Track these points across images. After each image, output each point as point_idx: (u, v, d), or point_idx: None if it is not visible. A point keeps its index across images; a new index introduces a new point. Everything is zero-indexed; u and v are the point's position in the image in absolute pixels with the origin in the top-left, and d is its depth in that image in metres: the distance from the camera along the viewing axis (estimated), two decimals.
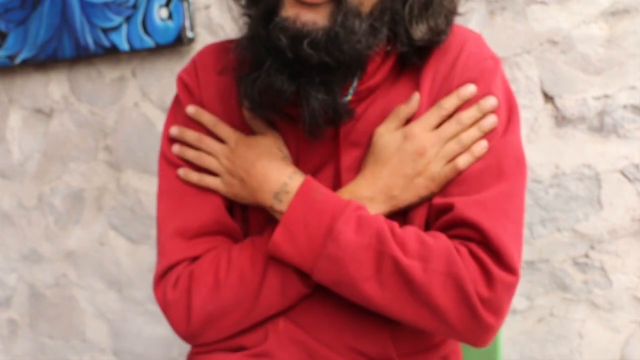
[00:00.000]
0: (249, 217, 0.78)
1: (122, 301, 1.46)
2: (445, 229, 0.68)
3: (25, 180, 1.52)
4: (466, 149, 0.70)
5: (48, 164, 1.49)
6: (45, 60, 1.40)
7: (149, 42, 1.27)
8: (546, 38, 1.03)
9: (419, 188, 0.70)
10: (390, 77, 0.76)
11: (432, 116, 0.71)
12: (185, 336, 0.74)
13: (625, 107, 1.00)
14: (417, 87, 0.74)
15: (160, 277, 0.75)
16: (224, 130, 0.76)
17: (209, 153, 0.76)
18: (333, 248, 0.66)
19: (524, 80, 1.05)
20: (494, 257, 0.65)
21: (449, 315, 0.65)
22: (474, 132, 0.70)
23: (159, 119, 1.34)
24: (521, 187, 0.72)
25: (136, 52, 1.33)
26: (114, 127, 1.40)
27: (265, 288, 0.71)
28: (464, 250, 0.66)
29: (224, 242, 0.76)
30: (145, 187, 1.38)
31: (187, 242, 0.75)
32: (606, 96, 1.01)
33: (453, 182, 0.70)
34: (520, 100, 1.05)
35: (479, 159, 0.70)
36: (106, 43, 1.32)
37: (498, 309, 0.65)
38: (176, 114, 0.81)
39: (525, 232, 1.06)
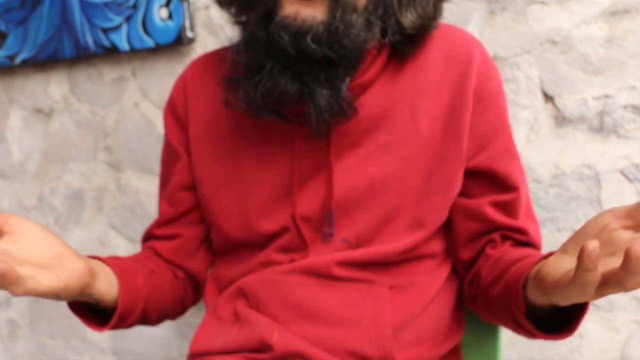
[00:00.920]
0: (224, 232, 0.82)
1: None
2: (514, 244, 0.77)
3: (25, 180, 1.52)
4: None
5: (48, 164, 1.49)
6: (45, 60, 1.40)
7: (149, 42, 1.27)
8: (546, 38, 1.03)
9: None
10: (385, 76, 0.75)
11: None
12: None
13: (625, 107, 1.00)
14: (419, 88, 0.74)
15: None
16: None
17: None
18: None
19: (524, 80, 1.05)
20: None
21: None
22: None
23: (159, 119, 1.34)
24: None
25: (136, 52, 1.33)
26: (114, 127, 1.40)
27: None
28: None
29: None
30: (145, 187, 1.38)
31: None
32: (606, 96, 1.01)
33: (518, 204, 0.77)
34: (520, 100, 1.05)
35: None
36: (106, 43, 1.32)
37: None
38: (164, 150, 0.89)
39: None
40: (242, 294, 0.80)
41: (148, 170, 1.38)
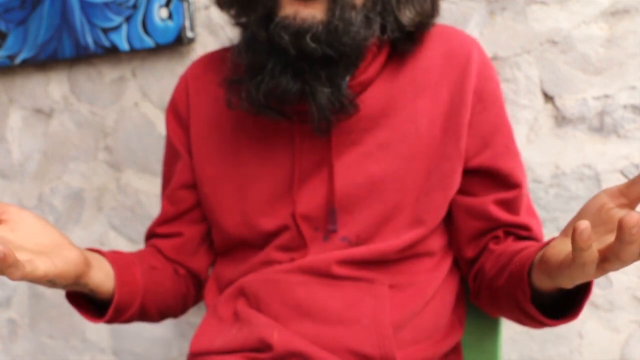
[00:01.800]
0: (224, 230, 0.82)
1: None
2: (517, 239, 0.78)
3: (25, 180, 1.52)
4: None
5: (48, 164, 1.49)
6: (45, 60, 1.40)
7: (149, 42, 1.27)
8: (546, 38, 1.03)
9: None
10: (385, 75, 0.76)
11: None
12: None
13: (625, 107, 1.00)
14: (418, 87, 0.75)
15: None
16: None
17: None
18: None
19: (524, 80, 1.05)
20: None
21: None
22: None
23: (159, 119, 1.34)
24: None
25: (136, 52, 1.33)
26: (114, 127, 1.40)
27: None
28: None
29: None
30: (146, 187, 1.38)
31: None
32: (606, 96, 1.01)
33: (520, 201, 0.78)
34: (520, 100, 1.05)
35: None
36: (106, 43, 1.32)
37: None
38: (166, 149, 0.90)
39: None
40: (242, 293, 0.80)
41: (148, 170, 1.38)
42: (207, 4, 1.27)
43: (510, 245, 0.75)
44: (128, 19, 1.29)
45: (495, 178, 0.77)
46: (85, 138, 1.44)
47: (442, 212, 0.78)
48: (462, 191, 0.79)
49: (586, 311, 1.07)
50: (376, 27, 0.71)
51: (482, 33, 1.06)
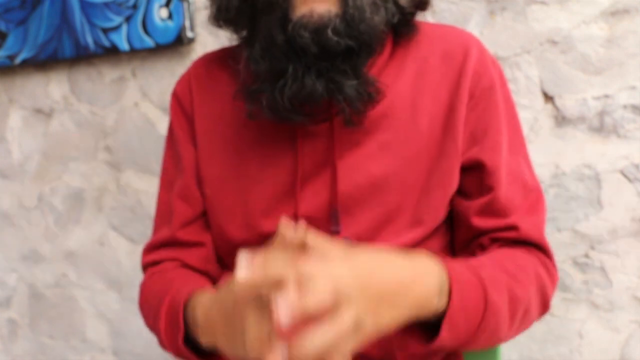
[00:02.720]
0: (225, 232, 0.80)
1: (122, 301, 1.46)
2: (507, 244, 0.74)
3: (25, 180, 1.52)
4: None
5: (48, 164, 1.49)
6: (45, 60, 1.40)
7: (149, 42, 1.27)
8: (546, 38, 1.03)
9: None
10: (386, 76, 0.76)
11: None
12: None
13: (625, 107, 1.00)
14: (419, 88, 0.75)
15: (148, 251, 0.87)
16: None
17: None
18: (492, 319, 0.63)
19: (524, 80, 1.05)
20: (549, 260, 0.74)
21: (534, 320, 0.72)
22: None
23: (159, 119, 1.34)
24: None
25: (136, 52, 1.33)
26: (114, 127, 1.40)
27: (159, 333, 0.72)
28: (536, 260, 0.73)
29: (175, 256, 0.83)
30: (145, 187, 1.38)
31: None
32: (606, 96, 1.01)
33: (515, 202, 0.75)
34: (520, 100, 1.05)
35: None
36: (106, 43, 1.32)
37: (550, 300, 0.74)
38: (169, 146, 0.86)
39: None
40: None
41: (148, 171, 1.38)
42: (207, 4, 1.27)
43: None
44: (128, 19, 1.29)
45: (481, 174, 0.76)
46: (85, 138, 1.44)
47: (442, 212, 0.78)
48: (457, 192, 0.79)
49: (586, 311, 1.07)
50: (382, 11, 0.71)
51: (482, 33, 1.06)
